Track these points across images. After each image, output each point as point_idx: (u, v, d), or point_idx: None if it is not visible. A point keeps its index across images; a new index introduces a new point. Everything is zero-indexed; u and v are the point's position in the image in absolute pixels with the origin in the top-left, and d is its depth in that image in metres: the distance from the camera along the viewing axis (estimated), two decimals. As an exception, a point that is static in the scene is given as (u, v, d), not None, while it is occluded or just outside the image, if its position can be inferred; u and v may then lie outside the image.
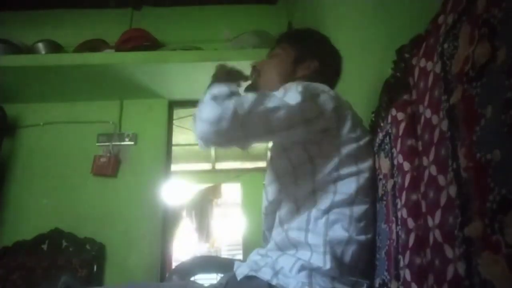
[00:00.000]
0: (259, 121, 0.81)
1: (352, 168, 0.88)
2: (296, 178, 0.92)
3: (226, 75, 0.98)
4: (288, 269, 0.82)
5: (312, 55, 1.13)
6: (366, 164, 0.90)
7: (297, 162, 0.91)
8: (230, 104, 0.79)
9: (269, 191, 0.98)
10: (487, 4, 0.46)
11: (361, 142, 0.91)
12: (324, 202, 0.87)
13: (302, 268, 0.81)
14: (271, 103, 0.82)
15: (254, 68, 1.15)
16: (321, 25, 1.72)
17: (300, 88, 0.87)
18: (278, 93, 0.87)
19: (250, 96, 0.82)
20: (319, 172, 0.89)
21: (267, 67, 1.13)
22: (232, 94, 0.82)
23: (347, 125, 0.90)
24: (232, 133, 0.80)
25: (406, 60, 0.72)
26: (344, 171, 0.88)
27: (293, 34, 1.22)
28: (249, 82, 1.10)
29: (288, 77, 1.09)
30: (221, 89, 0.83)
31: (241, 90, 1.13)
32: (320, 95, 0.90)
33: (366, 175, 0.89)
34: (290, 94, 0.86)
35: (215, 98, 0.81)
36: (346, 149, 0.88)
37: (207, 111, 0.80)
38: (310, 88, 0.90)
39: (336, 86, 1.18)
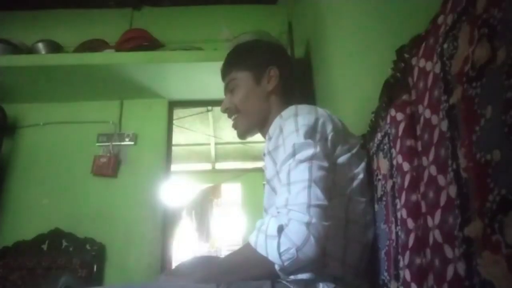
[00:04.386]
0: (317, 192, 0.76)
1: (348, 175, 0.89)
2: None
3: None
4: None
5: (265, 63, 1.11)
6: (360, 167, 0.91)
7: None
8: (293, 214, 0.74)
9: (268, 201, 0.96)
10: (487, 4, 0.46)
11: (354, 151, 0.91)
12: None
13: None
14: (300, 177, 0.78)
15: (228, 110, 1.12)
16: (321, 25, 1.72)
17: (300, 131, 0.83)
18: (291, 161, 0.81)
19: (300, 198, 0.75)
20: None
21: (238, 102, 1.10)
22: (284, 212, 0.76)
23: (341, 139, 0.90)
24: (323, 225, 0.74)
25: (405, 60, 0.72)
26: (340, 179, 0.87)
27: (234, 59, 1.16)
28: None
29: (263, 98, 1.09)
30: (272, 225, 0.76)
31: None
32: (318, 122, 0.87)
33: (360, 176, 0.90)
34: (299, 148, 0.81)
35: (279, 230, 0.74)
36: (341, 161, 0.88)
37: (295, 236, 0.72)
38: (306, 123, 0.85)
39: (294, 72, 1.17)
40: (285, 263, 0.73)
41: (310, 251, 0.72)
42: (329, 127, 0.88)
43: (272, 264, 0.76)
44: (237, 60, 1.15)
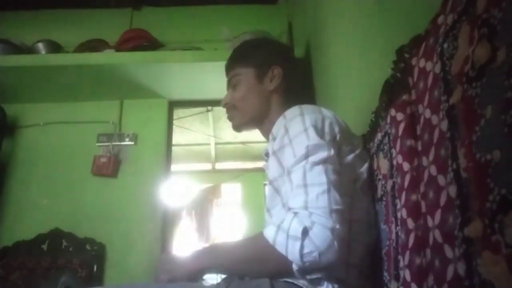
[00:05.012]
0: (336, 196, 0.77)
1: (352, 175, 0.89)
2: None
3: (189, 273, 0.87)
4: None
5: (269, 62, 1.11)
6: (363, 168, 0.91)
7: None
8: (315, 219, 0.74)
9: (270, 204, 0.96)
10: (487, 4, 0.46)
11: (357, 151, 0.91)
12: None
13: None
14: (319, 178, 0.78)
15: (228, 106, 1.13)
16: (321, 25, 1.72)
17: (310, 132, 0.83)
18: (305, 162, 0.80)
19: (321, 202, 0.75)
20: None
21: (238, 98, 1.11)
22: (294, 215, 0.75)
23: (346, 140, 0.90)
24: (344, 229, 0.75)
25: (405, 60, 0.72)
26: (344, 179, 0.86)
27: (239, 55, 1.17)
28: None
29: (264, 96, 1.09)
30: (295, 226, 0.75)
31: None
32: (325, 122, 0.87)
33: (364, 176, 0.90)
34: (313, 149, 0.81)
35: (303, 233, 0.73)
36: (346, 161, 0.88)
37: (320, 241, 0.72)
38: (313, 123, 0.85)
39: (301, 75, 1.17)
40: (306, 264, 0.74)
41: (333, 256, 0.73)
42: (336, 128, 0.88)
43: (290, 263, 0.75)
44: (242, 56, 1.16)
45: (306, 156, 0.81)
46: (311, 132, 0.83)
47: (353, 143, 0.92)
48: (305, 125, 0.85)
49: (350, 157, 0.89)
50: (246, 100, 1.10)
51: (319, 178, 0.78)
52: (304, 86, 1.15)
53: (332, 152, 0.81)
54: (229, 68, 1.16)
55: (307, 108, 0.91)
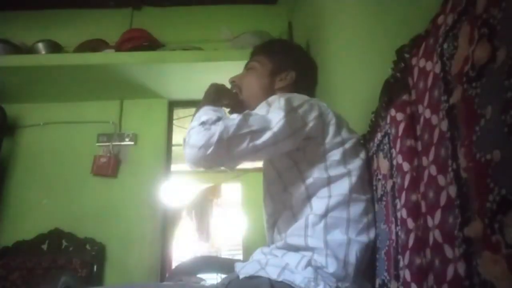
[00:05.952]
0: (244, 143, 0.84)
1: (342, 170, 0.89)
2: (285, 185, 0.93)
3: (214, 93, 1.04)
4: (294, 265, 0.82)
5: (288, 66, 1.15)
6: (355, 164, 0.91)
7: (282, 169, 0.93)
8: (217, 128, 0.82)
9: (267, 204, 1.00)
10: (487, 4, 0.46)
11: (347, 145, 0.92)
12: (320, 207, 0.87)
13: (308, 264, 0.81)
14: (255, 124, 0.85)
15: (233, 83, 1.18)
16: (321, 25, 1.72)
17: (282, 102, 0.89)
18: (261, 110, 0.90)
19: (236, 119, 0.84)
20: (307, 177, 0.90)
21: (245, 81, 1.16)
22: (218, 119, 0.85)
23: (331, 131, 0.91)
24: (219, 157, 0.83)
25: (405, 60, 0.72)
26: (334, 172, 0.88)
27: (268, 46, 1.25)
28: (237, 99, 1.14)
29: (267, 89, 1.13)
30: (208, 115, 0.86)
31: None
32: (302, 106, 0.91)
33: (357, 173, 0.90)
34: (273, 110, 0.88)
35: (202, 124, 0.84)
36: (332, 154, 0.89)
37: (195, 137, 0.84)
38: (292, 101, 0.91)
39: (314, 94, 1.23)
40: (186, 137, 0.86)
41: (191, 154, 0.83)
42: (313, 114, 0.91)
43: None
44: (270, 49, 1.21)
45: (267, 111, 0.89)
46: (282, 101, 0.89)
47: (342, 136, 0.92)
48: (283, 96, 0.93)
49: (338, 151, 0.90)
50: (251, 85, 1.14)
51: (256, 124, 0.85)
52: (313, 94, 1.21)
53: (285, 125, 0.86)
54: (254, 52, 1.22)
55: (297, 94, 0.98)
